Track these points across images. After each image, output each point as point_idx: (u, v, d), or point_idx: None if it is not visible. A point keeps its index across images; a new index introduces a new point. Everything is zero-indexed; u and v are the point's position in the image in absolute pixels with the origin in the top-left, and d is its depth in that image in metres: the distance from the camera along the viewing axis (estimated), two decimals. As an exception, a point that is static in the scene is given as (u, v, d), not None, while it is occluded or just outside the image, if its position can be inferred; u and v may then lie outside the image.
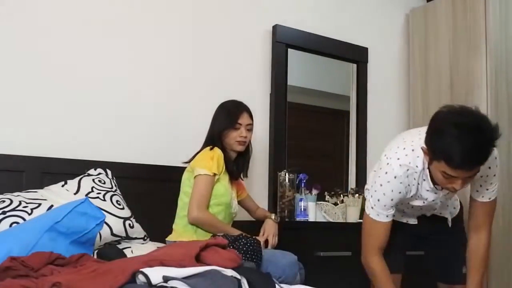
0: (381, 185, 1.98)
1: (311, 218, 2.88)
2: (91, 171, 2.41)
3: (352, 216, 3.01)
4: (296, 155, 3.20)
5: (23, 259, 1.55)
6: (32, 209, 2.06)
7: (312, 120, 3.41)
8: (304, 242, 2.46)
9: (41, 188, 2.26)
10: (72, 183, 2.30)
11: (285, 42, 3.18)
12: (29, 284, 1.33)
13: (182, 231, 2.33)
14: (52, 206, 2.09)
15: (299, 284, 1.96)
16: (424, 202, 2.05)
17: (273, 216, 2.53)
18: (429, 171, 1.93)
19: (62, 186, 2.28)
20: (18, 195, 2.14)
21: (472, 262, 2.12)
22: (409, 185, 1.96)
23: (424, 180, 1.98)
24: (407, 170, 1.93)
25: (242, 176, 2.56)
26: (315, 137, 3.38)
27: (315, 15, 3.38)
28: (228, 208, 2.40)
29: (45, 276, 1.44)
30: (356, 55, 3.50)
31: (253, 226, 2.84)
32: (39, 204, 2.10)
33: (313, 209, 2.91)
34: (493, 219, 2.16)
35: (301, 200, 2.83)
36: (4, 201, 2.07)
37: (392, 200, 1.98)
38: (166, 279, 1.32)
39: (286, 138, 3.15)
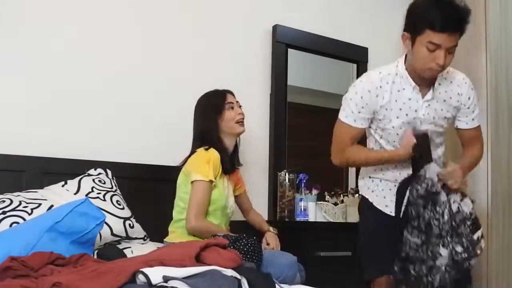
0: (354, 86, 2.19)
1: (311, 218, 2.88)
2: (91, 171, 2.41)
3: (352, 216, 3.01)
4: (296, 155, 3.20)
5: (23, 259, 1.55)
6: (32, 209, 2.06)
7: (312, 120, 3.41)
8: (304, 242, 2.46)
9: (41, 188, 2.27)
10: (72, 183, 2.30)
11: (285, 42, 3.18)
12: (29, 284, 1.33)
13: (178, 234, 2.29)
14: (52, 206, 2.10)
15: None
16: (407, 115, 2.11)
17: (271, 229, 2.51)
18: (407, 72, 2.13)
19: (62, 186, 2.28)
20: (18, 195, 2.14)
21: (465, 154, 2.28)
22: (381, 86, 2.11)
23: (404, 89, 2.11)
24: (379, 73, 2.15)
25: (237, 166, 2.50)
26: (315, 137, 3.37)
27: (315, 15, 3.38)
28: (224, 209, 2.36)
29: (45, 276, 1.44)
30: (356, 55, 3.49)
31: (251, 226, 2.84)
32: (39, 204, 2.10)
33: (313, 209, 2.91)
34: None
35: (301, 200, 2.83)
36: (4, 201, 2.07)
37: (362, 98, 2.11)
38: (166, 279, 1.32)
39: (286, 138, 3.15)
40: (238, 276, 1.43)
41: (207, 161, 2.26)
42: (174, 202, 2.38)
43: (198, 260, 1.52)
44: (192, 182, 2.25)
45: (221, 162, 2.32)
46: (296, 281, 2.00)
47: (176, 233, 2.32)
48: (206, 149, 2.30)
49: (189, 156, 2.38)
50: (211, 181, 2.25)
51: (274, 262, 1.99)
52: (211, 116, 2.39)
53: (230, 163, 2.38)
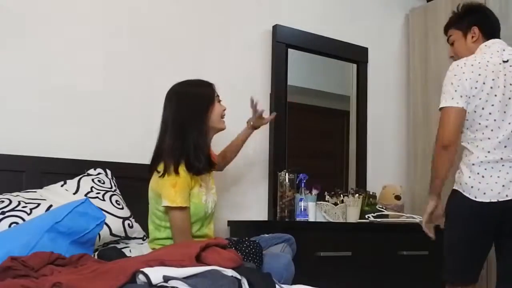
0: (448, 78, 2.22)
1: (311, 218, 2.88)
2: (91, 171, 2.41)
3: (352, 216, 3.01)
4: (296, 155, 3.20)
5: (24, 259, 1.55)
6: (31, 209, 2.06)
7: (312, 120, 3.41)
8: (304, 242, 2.46)
9: (41, 188, 2.26)
10: (72, 183, 2.30)
11: (285, 42, 3.18)
12: (30, 284, 1.34)
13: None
14: (51, 206, 2.09)
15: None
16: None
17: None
18: None
19: (62, 186, 2.28)
20: (17, 195, 2.14)
21: None
22: (476, 64, 2.20)
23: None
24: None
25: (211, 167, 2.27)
26: (315, 137, 3.38)
27: (315, 15, 3.38)
28: (204, 216, 2.19)
29: (45, 276, 1.44)
30: (356, 55, 3.49)
31: (252, 226, 2.84)
32: (38, 204, 2.10)
33: (313, 209, 2.91)
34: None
35: (301, 200, 2.83)
36: (3, 201, 2.07)
37: (466, 76, 2.17)
38: (166, 279, 1.32)
39: (286, 138, 3.15)
40: (238, 276, 1.43)
41: (173, 185, 2.06)
42: (149, 213, 2.23)
43: (199, 260, 1.52)
44: (165, 207, 2.09)
45: (196, 167, 2.10)
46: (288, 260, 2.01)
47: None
48: (175, 172, 2.06)
49: (156, 158, 2.17)
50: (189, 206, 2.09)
51: (271, 266, 1.98)
52: (200, 108, 2.17)
53: (208, 163, 2.18)
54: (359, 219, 3.02)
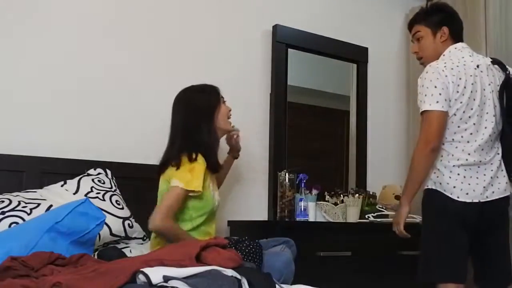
0: (430, 81, 2.20)
1: (311, 218, 2.88)
2: (91, 171, 2.41)
3: (352, 216, 3.00)
4: (296, 155, 3.20)
5: (24, 258, 1.55)
6: (31, 209, 2.06)
7: (312, 120, 3.41)
8: (304, 242, 2.45)
9: (41, 188, 2.26)
10: (72, 183, 2.30)
11: (285, 42, 3.18)
12: (30, 284, 1.34)
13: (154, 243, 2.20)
14: (51, 206, 2.09)
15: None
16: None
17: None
18: None
19: (62, 186, 2.28)
20: (17, 195, 2.14)
21: None
22: (455, 67, 2.22)
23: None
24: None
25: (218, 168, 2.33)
26: (315, 137, 3.38)
27: (315, 15, 3.38)
28: (211, 211, 2.26)
29: (45, 276, 1.44)
30: (356, 55, 3.49)
31: (252, 226, 2.84)
32: (38, 204, 2.10)
33: (313, 209, 2.91)
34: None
35: (301, 200, 2.83)
36: (3, 201, 2.07)
37: (449, 80, 2.18)
38: (166, 279, 1.32)
39: (286, 138, 3.15)
40: (238, 276, 1.43)
41: (190, 169, 2.12)
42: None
43: (199, 260, 1.52)
44: (170, 186, 2.13)
45: (211, 162, 2.19)
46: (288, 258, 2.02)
47: (152, 244, 2.19)
48: (191, 159, 2.13)
49: (167, 158, 2.22)
50: (191, 191, 2.11)
51: (270, 264, 1.98)
52: (207, 111, 2.26)
53: (217, 163, 2.26)
54: (359, 219, 3.02)
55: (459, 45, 2.34)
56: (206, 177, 2.19)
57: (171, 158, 2.19)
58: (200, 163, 2.14)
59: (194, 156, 2.14)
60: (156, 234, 2.15)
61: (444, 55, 2.32)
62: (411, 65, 3.71)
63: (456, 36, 2.38)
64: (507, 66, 2.32)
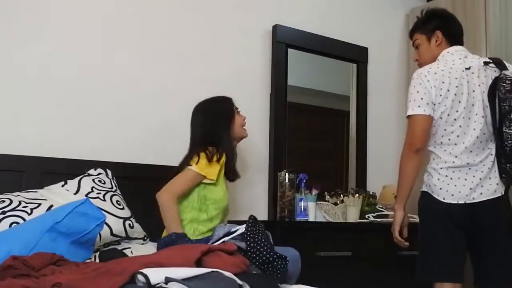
0: (414, 86, 2.27)
1: (311, 218, 2.88)
2: (91, 171, 2.41)
3: (352, 216, 3.00)
4: (296, 155, 3.20)
5: (25, 258, 1.55)
6: (31, 209, 2.06)
7: (312, 120, 3.41)
8: (304, 242, 2.46)
9: (41, 188, 2.26)
10: (72, 183, 2.30)
11: (285, 42, 3.18)
12: (30, 284, 1.34)
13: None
14: (51, 206, 2.09)
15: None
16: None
17: None
18: None
19: (62, 186, 2.28)
20: (17, 195, 2.14)
21: None
22: (439, 72, 2.26)
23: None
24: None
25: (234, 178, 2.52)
26: (315, 137, 3.38)
27: (315, 15, 3.38)
28: (225, 210, 2.42)
29: (46, 276, 1.44)
30: (356, 55, 3.49)
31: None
32: (39, 204, 2.10)
33: (313, 209, 2.91)
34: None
35: (301, 200, 2.83)
36: (3, 201, 2.07)
37: (431, 84, 2.23)
38: (166, 280, 1.32)
39: (286, 138, 3.15)
40: (240, 282, 1.42)
41: (208, 160, 2.29)
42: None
43: (199, 265, 1.50)
44: (185, 170, 2.30)
45: (229, 169, 2.38)
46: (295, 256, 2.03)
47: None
48: (210, 159, 2.31)
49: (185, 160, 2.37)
50: (204, 177, 2.28)
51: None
52: (224, 122, 2.43)
53: (235, 170, 2.45)
54: (359, 219, 3.02)
55: (451, 48, 2.37)
56: (221, 172, 2.34)
57: (183, 164, 2.35)
58: (215, 161, 2.30)
59: (212, 156, 2.31)
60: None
61: (438, 59, 2.36)
62: (411, 65, 3.71)
63: (452, 39, 2.40)
64: (507, 65, 2.30)
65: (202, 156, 2.30)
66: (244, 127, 2.51)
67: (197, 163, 2.28)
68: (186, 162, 2.34)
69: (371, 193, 3.24)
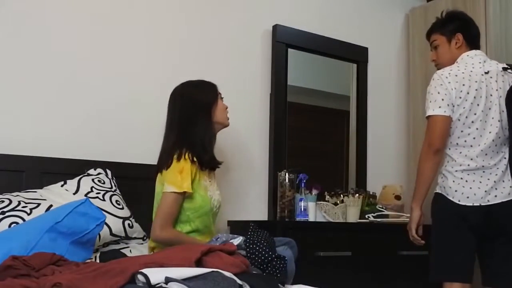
0: (434, 87, 2.31)
1: (311, 218, 2.88)
2: (91, 171, 2.41)
3: (352, 216, 3.00)
4: (296, 155, 3.20)
5: (25, 258, 1.55)
6: (31, 209, 2.06)
7: (312, 120, 3.41)
8: (304, 242, 2.45)
9: (41, 188, 2.26)
10: (72, 183, 2.29)
11: (285, 42, 3.18)
12: (30, 284, 1.34)
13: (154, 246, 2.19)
14: (51, 206, 2.09)
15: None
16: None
17: None
18: None
19: (62, 186, 2.28)
20: (17, 195, 2.14)
21: None
22: (460, 74, 2.30)
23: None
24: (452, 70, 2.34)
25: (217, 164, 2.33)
26: (315, 137, 3.38)
27: (315, 15, 3.38)
28: (210, 212, 2.24)
29: (46, 276, 1.44)
30: (356, 55, 3.49)
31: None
32: (38, 204, 2.10)
33: (313, 209, 2.91)
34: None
35: (301, 200, 2.83)
36: (3, 201, 2.07)
37: (452, 86, 2.26)
38: (166, 280, 1.32)
39: (286, 138, 3.15)
40: (240, 282, 1.42)
41: (180, 171, 2.12)
42: (153, 212, 2.23)
43: (199, 265, 1.50)
44: (163, 192, 2.14)
45: (207, 157, 2.20)
46: (289, 257, 2.00)
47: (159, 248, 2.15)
48: (179, 157, 2.14)
49: (164, 155, 2.22)
50: (184, 192, 2.11)
51: None
52: (205, 105, 2.25)
53: (213, 159, 2.26)
54: (359, 219, 3.02)
55: (471, 52, 2.40)
56: (196, 177, 2.18)
57: (164, 159, 2.21)
58: (188, 162, 2.14)
59: (183, 154, 2.14)
60: (161, 244, 2.12)
61: (457, 61, 2.39)
62: (411, 65, 3.71)
63: (471, 42, 2.44)
64: None
65: (173, 169, 2.12)
66: (226, 115, 2.34)
67: (172, 181, 2.11)
68: (164, 164, 2.18)
69: (371, 193, 3.24)
